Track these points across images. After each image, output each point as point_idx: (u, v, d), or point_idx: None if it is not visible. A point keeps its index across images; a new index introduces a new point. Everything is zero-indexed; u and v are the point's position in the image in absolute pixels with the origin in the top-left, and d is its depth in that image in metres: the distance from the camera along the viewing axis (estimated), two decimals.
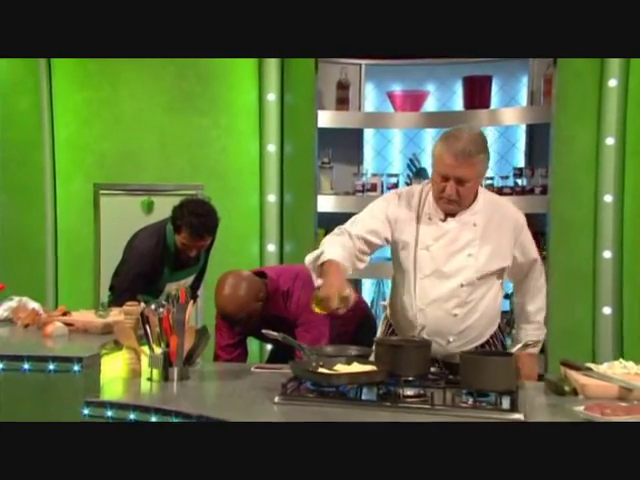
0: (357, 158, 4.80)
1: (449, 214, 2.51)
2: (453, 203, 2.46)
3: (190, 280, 3.56)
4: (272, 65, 4.40)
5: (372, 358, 2.38)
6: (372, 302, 4.73)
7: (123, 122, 4.41)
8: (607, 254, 4.15)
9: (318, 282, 2.34)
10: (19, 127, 4.32)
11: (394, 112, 4.64)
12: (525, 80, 4.72)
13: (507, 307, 4.64)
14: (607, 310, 4.15)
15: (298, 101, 4.47)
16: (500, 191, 4.46)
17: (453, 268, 2.50)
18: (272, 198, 4.42)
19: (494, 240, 2.52)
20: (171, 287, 3.24)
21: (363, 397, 2.17)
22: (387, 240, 2.57)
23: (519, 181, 4.49)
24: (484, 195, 2.59)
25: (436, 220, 2.51)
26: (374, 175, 4.62)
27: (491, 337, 2.59)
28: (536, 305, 2.69)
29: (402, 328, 2.63)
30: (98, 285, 4.28)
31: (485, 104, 4.57)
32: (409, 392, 2.14)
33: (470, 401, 2.05)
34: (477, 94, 4.58)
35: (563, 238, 4.22)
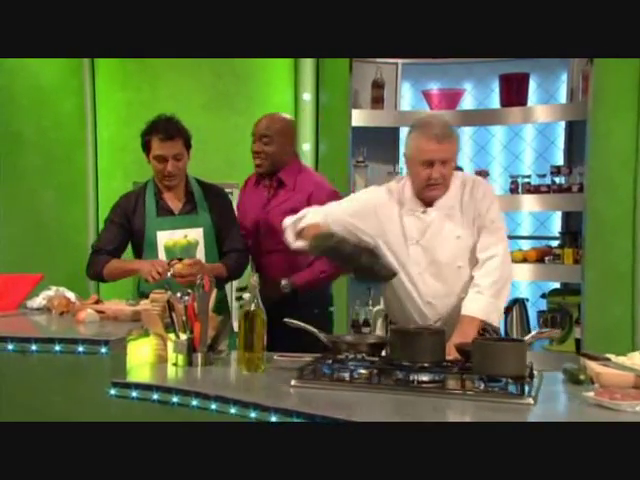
0: (394, 157, 4.81)
1: (428, 205, 2.62)
2: (440, 187, 2.58)
3: (192, 234, 3.21)
4: (307, 65, 4.44)
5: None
6: None
7: None
8: None
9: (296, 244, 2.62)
10: (64, 128, 4.44)
11: (429, 111, 4.65)
12: (564, 77, 4.68)
13: (544, 306, 4.61)
14: None
15: (333, 100, 4.50)
16: (537, 189, 4.44)
17: (448, 254, 2.59)
18: None
19: (470, 213, 2.61)
20: (165, 238, 3.16)
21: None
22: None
23: (557, 179, 4.45)
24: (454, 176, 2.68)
25: (418, 214, 2.63)
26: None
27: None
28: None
29: (403, 322, 2.69)
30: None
31: (522, 102, 4.55)
32: (424, 378, 2.16)
33: (482, 386, 2.06)
34: (514, 92, 4.55)
35: (600, 236, 4.15)
